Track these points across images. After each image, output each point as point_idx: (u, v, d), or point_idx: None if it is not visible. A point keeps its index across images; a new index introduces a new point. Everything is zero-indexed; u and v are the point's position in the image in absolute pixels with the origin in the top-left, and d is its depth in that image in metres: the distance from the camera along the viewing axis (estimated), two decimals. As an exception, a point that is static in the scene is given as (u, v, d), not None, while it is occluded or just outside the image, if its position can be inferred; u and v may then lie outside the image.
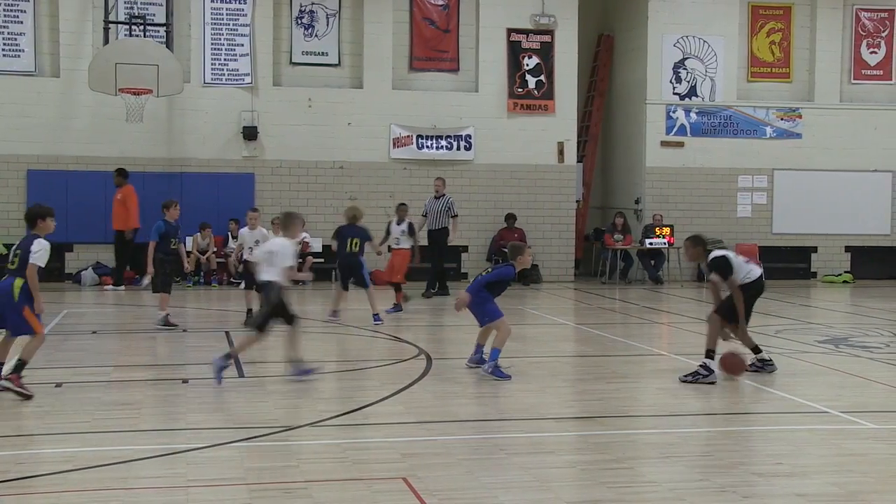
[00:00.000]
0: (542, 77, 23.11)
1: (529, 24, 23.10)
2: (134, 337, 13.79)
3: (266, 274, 10.52)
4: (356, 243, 14.97)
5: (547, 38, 23.17)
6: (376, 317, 15.10)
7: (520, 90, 23.06)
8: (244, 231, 15.60)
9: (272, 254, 10.55)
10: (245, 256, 15.01)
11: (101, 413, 8.89)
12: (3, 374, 9.36)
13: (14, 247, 9.74)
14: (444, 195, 19.57)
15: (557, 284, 22.46)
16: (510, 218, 22.59)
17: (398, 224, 17.00)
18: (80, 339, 13.47)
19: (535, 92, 23.10)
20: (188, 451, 7.54)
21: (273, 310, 10.36)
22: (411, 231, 17.01)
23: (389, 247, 17.25)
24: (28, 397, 9.18)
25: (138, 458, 7.37)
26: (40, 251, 9.44)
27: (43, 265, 9.47)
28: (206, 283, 20.93)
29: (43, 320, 9.74)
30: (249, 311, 14.41)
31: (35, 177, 20.75)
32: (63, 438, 8.00)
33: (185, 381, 10.42)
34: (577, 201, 24.02)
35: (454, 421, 8.86)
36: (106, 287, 20.04)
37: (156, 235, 14.29)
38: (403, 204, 17.61)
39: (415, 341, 13.39)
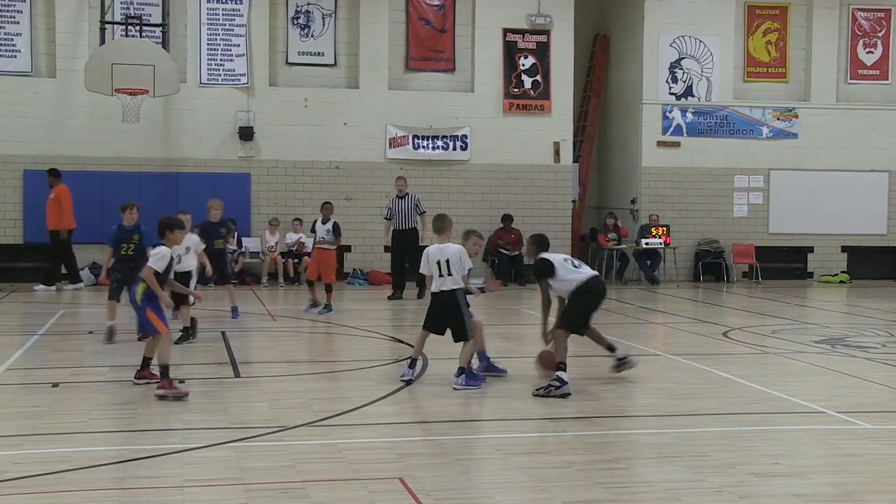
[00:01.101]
0: (538, 77, 23.12)
1: (525, 24, 23.12)
2: (130, 337, 13.75)
3: (443, 284, 10.14)
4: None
5: (543, 39, 23.19)
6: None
7: (516, 90, 23.08)
8: None
9: (449, 263, 10.11)
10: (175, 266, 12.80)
11: (97, 413, 8.88)
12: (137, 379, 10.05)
13: None
14: (407, 194, 19.21)
15: (554, 284, 22.40)
16: (507, 219, 22.60)
17: (323, 223, 16.67)
18: (77, 339, 13.47)
19: (531, 92, 23.12)
20: (184, 451, 7.53)
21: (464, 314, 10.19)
22: (336, 231, 16.70)
23: (314, 246, 16.90)
24: (183, 395, 9.45)
25: (134, 458, 7.36)
26: (157, 255, 10.02)
27: (159, 269, 9.93)
28: (201, 282, 20.82)
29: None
30: (186, 329, 13.09)
31: (31, 177, 20.73)
32: (60, 438, 7.99)
33: (181, 381, 10.39)
34: (573, 201, 24.05)
35: (450, 421, 8.85)
36: (36, 287, 19.62)
37: (110, 241, 13.34)
38: (328, 202, 17.31)
39: (410, 341, 13.38)
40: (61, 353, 12.20)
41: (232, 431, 8.18)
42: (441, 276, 10.17)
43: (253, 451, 7.62)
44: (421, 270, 10.49)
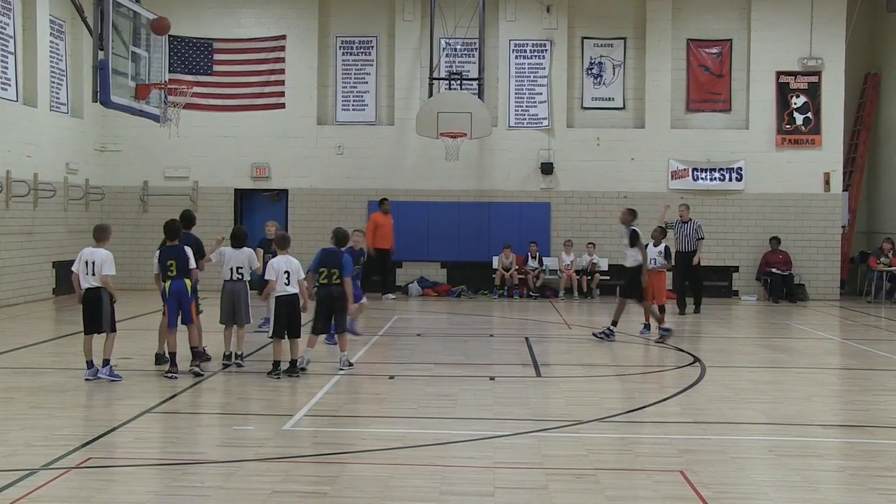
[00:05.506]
0: (810, 114, 21.87)
1: (798, 66, 21.95)
2: (452, 340, 14.19)
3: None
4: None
5: (814, 79, 21.92)
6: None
7: (788, 126, 21.94)
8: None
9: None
10: None
11: (424, 402, 9.22)
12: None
13: None
14: (690, 220, 18.67)
15: (823, 303, 21.10)
16: (775, 241, 21.52)
17: (655, 246, 15.68)
18: (408, 340, 14.05)
19: (803, 128, 21.90)
20: (495, 437, 7.68)
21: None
22: (667, 255, 15.72)
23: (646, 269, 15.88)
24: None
25: (454, 441, 7.59)
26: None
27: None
28: (510, 295, 21.29)
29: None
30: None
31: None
32: (396, 421, 8.36)
33: (491, 378, 10.62)
34: (842, 227, 22.49)
35: (726, 423, 8.51)
36: (386, 295, 20.17)
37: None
38: (660, 227, 16.19)
39: (690, 350, 13.00)
40: (396, 352, 12.77)
41: (534, 423, 8.26)
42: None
43: (552, 440, 7.66)
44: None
